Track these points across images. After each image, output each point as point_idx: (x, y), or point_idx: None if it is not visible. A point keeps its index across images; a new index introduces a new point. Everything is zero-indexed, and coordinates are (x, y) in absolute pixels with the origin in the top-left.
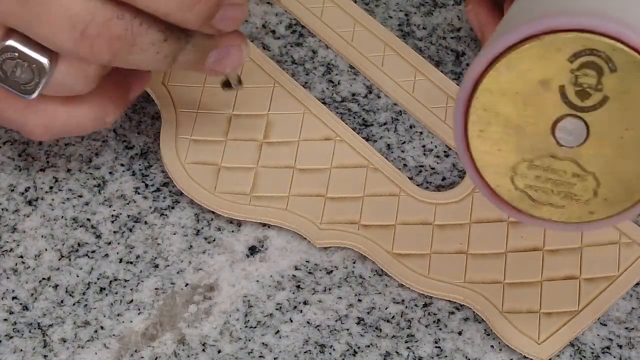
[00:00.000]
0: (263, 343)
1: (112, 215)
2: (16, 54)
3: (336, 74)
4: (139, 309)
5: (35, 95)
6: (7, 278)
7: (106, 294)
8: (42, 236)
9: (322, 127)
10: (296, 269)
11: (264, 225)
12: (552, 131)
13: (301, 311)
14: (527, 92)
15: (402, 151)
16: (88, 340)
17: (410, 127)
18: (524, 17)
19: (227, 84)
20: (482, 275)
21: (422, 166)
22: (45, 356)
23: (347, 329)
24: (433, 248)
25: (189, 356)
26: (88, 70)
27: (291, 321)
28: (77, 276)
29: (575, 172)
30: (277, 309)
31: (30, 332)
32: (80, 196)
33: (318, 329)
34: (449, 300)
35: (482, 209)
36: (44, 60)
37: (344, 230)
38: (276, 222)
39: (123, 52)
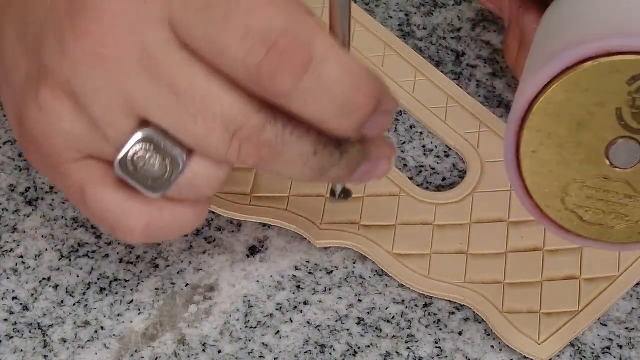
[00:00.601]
0: (263, 343)
1: None
2: (152, 146)
3: None
4: (139, 309)
5: (162, 192)
6: (7, 278)
7: (106, 294)
8: (42, 236)
9: None
10: (296, 268)
11: (264, 225)
12: (606, 152)
13: (301, 311)
14: (582, 114)
15: (402, 151)
16: (88, 340)
17: (410, 127)
18: (577, 34)
19: (332, 193)
20: (482, 275)
21: (422, 166)
22: (45, 356)
23: (347, 329)
24: (433, 248)
25: (189, 356)
26: (219, 173)
27: (291, 321)
28: (77, 276)
29: (627, 193)
30: (277, 309)
31: (30, 332)
32: None
33: (318, 329)
34: (449, 300)
35: (482, 209)
36: (181, 155)
37: (344, 230)
38: (276, 222)
39: (269, 160)
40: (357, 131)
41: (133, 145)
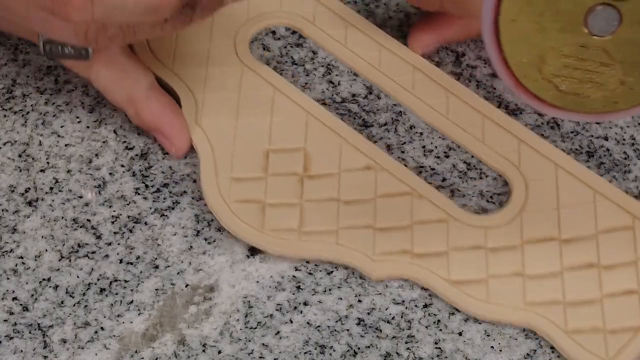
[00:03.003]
0: (263, 344)
1: (112, 216)
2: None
3: (336, 75)
4: (139, 310)
5: (90, 58)
6: (8, 279)
7: (106, 295)
8: (43, 237)
9: (361, 157)
10: (296, 269)
11: None
12: (585, 20)
13: (301, 312)
14: None
15: (402, 152)
16: (88, 341)
17: (411, 127)
18: None
19: None
20: (542, 296)
21: (422, 166)
22: (45, 357)
23: (347, 330)
24: (489, 272)
25: (189, 357)
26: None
27: (291, 322)
28: (77, 277)
29: (603, 62)
30: (277, 310)
31: (30, 332)
32: (81, 197)
33: (318, 330)
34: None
35: (532, 228)
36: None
37: (398, 260)
38: (329, 257)
39: (128, 40)
40: (177, 11)
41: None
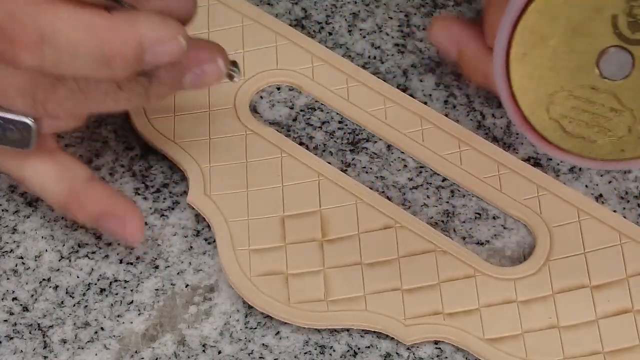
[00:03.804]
0: (263, 344)
1: None
2: (1, 121)
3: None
4: (139, 310)
5: (30, 147)
6: (8, 279)
7: (106, 295)
8: (43, 237)
9: (378, 215)
10: None
11: None
12: (597, 62)
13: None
14: (578, 19)
15: (402, 152)
16: (88, 341)
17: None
18: None
19: (230, 77)
20: (581, 347)
21: (422, 167)
22: (45, 357)
23: (347, 330)
24: (524, 327)
25: (189, 357)
26: (72, 117)
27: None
28: (77, 277)
29: (613, 107)
30: None
31: (30, 333)
32: None
33: (318, 330)
34: None
35: (562, 277)
36: (28, 120)
37: (431, 322)
38: (361, 325)
39: (79, 107)
40: (132, 71)
41: None
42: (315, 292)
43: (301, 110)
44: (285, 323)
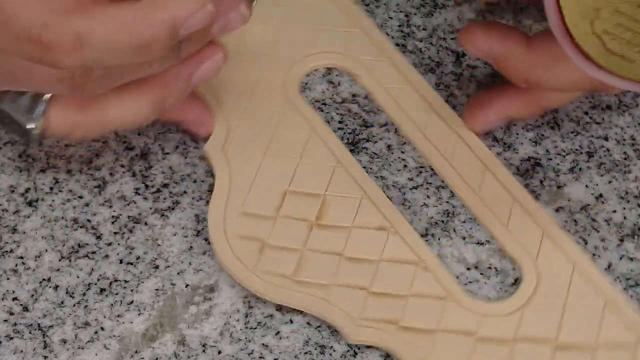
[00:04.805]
0: (263, 344)
1: (113, 216)
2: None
3: (336, 75)
4: (139, 310)
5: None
6: (8, 279)
7: (106, 295)
8: (43, 237)
9: (377, 216)
10: None
11: None
12: None
13: (301, 312)
14: None
15: (402, 152)
16: (88, 341)
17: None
18: None
19: None
20: None
21: (422, 167)
22: (45, 357)
23: None
24: None
25: (189, 357)
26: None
27: (291, 322)
28: (78, 277)
29: None
30: (277, 310)
31: (30, 333)
32: (81, 197)
33: (318, 330)
34: None
35: (531, 326)
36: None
37: (381, 329)
38: (312, 311)
39: (116, 83)
40: (168, 49)
41: None
42: (284, 268)
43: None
44: (286, 323)
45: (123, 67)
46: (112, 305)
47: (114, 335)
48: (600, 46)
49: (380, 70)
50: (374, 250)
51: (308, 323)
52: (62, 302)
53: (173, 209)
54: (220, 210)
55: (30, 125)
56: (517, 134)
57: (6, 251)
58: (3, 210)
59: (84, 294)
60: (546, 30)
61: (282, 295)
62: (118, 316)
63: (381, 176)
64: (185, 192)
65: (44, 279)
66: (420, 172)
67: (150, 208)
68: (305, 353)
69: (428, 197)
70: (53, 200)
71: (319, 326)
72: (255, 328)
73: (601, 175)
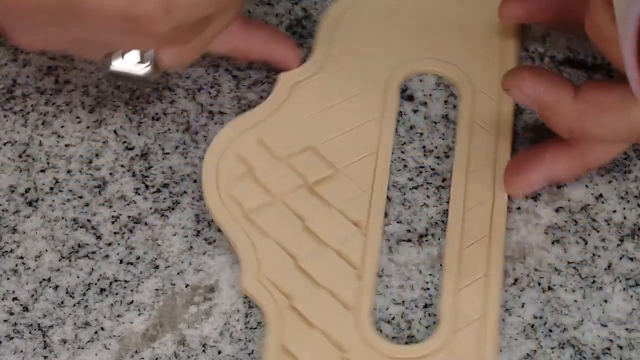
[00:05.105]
0: (263, 344)
1: (113, 216)
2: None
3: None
4: (139, 310)
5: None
6: (8, 279)
7: (106, 295)
8: (43, 237)
9: (363, 212)
10: None
11: None
12: None
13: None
14: None
15: (402, 152)
16: (88, 341)
17: (411, 127)
18: None
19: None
20: None
21: (422, 167)
22: (45, 357)
23: None
24: None
25: (189, 357)
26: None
27: None
28: (78, 277)
29: None
30: None
31: (30, 333)
32: (81, 197)
33: None
34: None
35: None
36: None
37: (272, 295)
38: (231, 239)
39: (203, 30)
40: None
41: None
42: (249, 202)
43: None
44: None
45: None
46: (112, 305)
47: (114, 335)
48: None
49: (481, 103)
50: (334, 236)
51: None
52: (62, 302)
53: (173, 209)
54: (219, 152)
55: (145, 73)
56: (517, 134)
57: (6, 251)
58: (3, 210)
59: (84, 294)
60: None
61: (226, 219)
62: (118, 316)
63: None
64: (185, 192)
65: (44, 279)
66: (420, 172)
67: (150, 208)
68: None
69: (428, 197)
70: (53, 200)
71: None
72: (255, 328)
73: (601, 175)
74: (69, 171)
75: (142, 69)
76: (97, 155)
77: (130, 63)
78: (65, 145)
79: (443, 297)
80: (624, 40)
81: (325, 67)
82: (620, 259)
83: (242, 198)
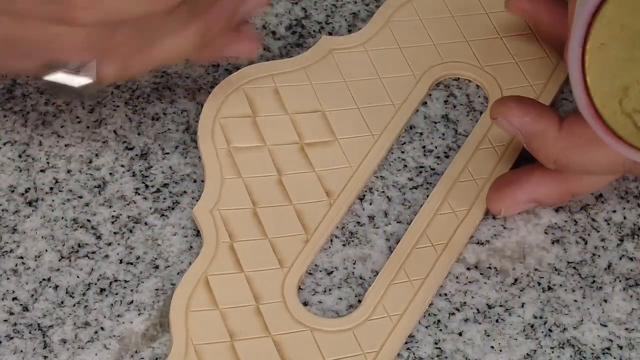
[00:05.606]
0: None
1: (113, 216)
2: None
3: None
4: (139, 310)
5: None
6: (8, 279)
7: (106, 295)
8: (43, 237)
9: (338, 183)
10: None
11: None
12: None
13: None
14: None
15: (402, 152)
16: (88, 341)
17: (411, 127)
18: None
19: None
20: None
21: (422, 167)
22: (45, 357)
23: None
24: None
25: None
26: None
27: None
28: (77, 277)
29: None
30: None
31: (30, 333)
32: (81, 197)
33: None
34: (449, 301)
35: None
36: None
37: (216, 230)
38: (204, 173)
39: (139, 47)
40: None
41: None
42: (243, 141)
43: None
44: None
45: (148, 24)
46: (112, 305)
47: (114, 335)
48: (631, 125)
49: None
50: (301, 197)
51: None
52: (62, 302)
53: (173, 209)
54: (210, 119)
55: (82, 85)
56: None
57: (6, 251)
58: (3, 210)
59: (84, 294)
60: (579, 110)
61: (208, 147)
62: (118, 316)
63: (381, 176)
64: (185, 192)
65: (43, 279)
66: (420, 172)
67: (150, 208)
68: None
69: (428, 197)
70: (53, 200)
71: None
72: None
73: None
74: (68, 171)
75: (79, 82)
76: (97, 155)
77: (67, 74)
78: (65, 145)
79: (372, 285)
80: (570, 53)
81: (367, 44)
82: (620, 259)
83: (233, 134)
